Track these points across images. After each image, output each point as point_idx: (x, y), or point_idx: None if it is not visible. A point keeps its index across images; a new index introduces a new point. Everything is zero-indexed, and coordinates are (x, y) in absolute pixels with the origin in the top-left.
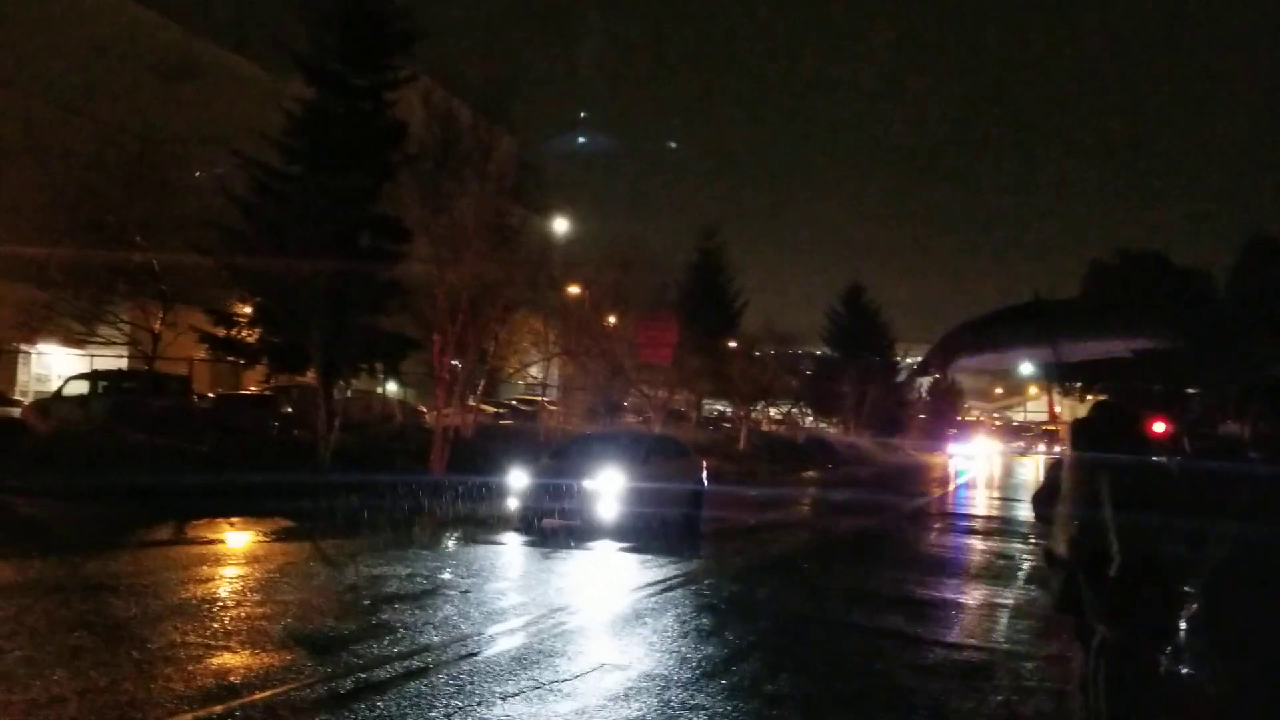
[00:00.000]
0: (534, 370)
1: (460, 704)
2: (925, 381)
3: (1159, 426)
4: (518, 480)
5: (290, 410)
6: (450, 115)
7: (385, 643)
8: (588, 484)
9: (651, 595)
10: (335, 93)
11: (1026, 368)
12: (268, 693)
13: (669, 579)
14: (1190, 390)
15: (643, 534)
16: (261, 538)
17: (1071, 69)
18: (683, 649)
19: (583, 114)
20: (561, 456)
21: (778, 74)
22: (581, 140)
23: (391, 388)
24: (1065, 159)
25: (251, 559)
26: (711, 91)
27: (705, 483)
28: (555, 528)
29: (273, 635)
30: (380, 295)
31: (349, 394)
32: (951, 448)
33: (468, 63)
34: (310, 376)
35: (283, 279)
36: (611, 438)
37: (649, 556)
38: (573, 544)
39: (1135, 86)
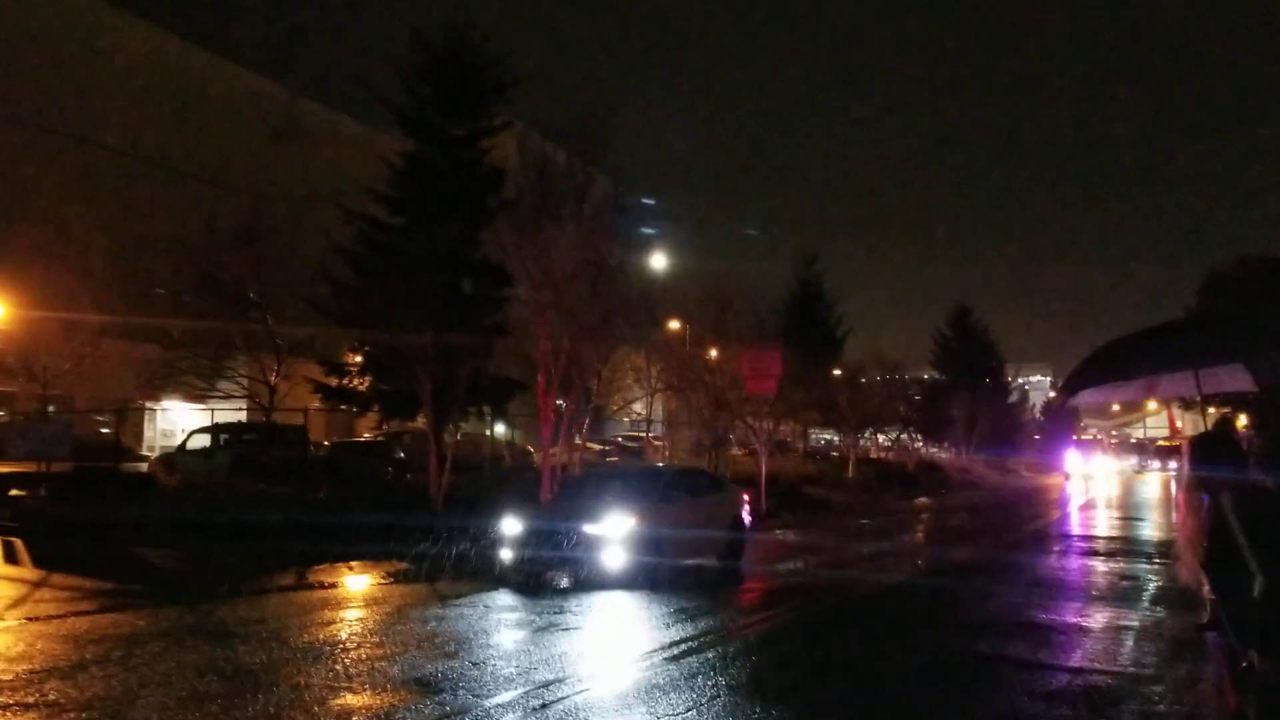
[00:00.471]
0: (638, 406)
1: None
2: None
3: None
4: (511, 527)
5: (403, 455)
6: (545, 159)
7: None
8: (589, 529)
9: (676, 658)
10: (433, 143)
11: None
12: None
13: (688, 639)
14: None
15: (660, 584)
16: (379, 580)
17: (1181, 78)
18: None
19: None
20: (565, 498)
21: (888, 96)
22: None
23: (500, 429)
24: (1177, 168)
25: (370, 602)
26: (807, 119)
27: (747, 519)
28: (545, 579)
29: (391, 676)
30: (485, 339)
31: (459, 437)
32: (1068, 468)
33: (562, 107)
34: (420, 421)
35: (390, 327)
36: (623, 474)
37: (665, 609)
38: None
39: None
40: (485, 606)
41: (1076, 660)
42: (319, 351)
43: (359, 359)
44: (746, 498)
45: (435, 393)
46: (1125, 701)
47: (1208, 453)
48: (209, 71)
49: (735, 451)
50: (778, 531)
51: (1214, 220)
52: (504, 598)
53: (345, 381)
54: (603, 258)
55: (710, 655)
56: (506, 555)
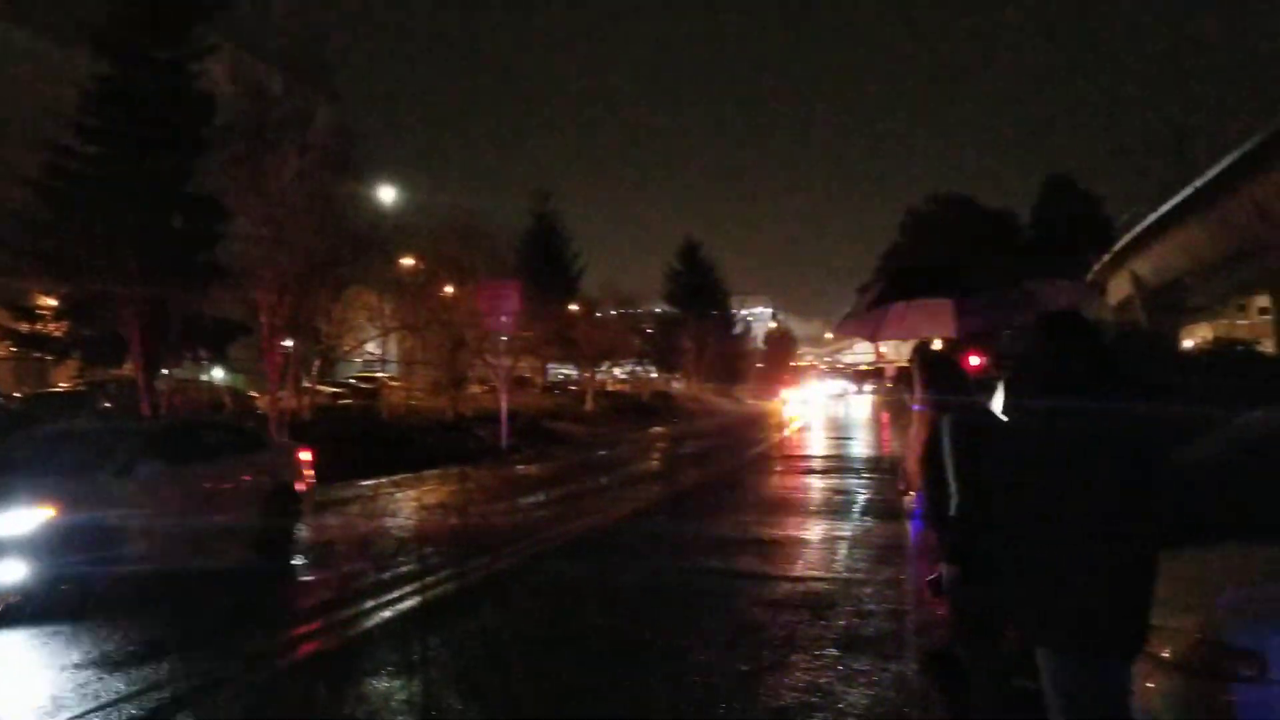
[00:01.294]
0: (371, 347)
1: None
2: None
3: (974, 360)
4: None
5: (109, 406)
6: (262, 85)
7: None
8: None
9: None
10: (134, 66)
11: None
12: None
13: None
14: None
15: (103, 609)
16: None
17: (885, 30)
18: None
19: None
20: None
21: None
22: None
23: (219, 375)
24: (882, 113)
25: None
26: (533, 53)
27: (303, 487)
28: None
29: None
30: (201, 278)
31: (171, 384)
32: (785, 394)
33: (278, 30)
34: (129, 369)
35: (90, 266)
36: (60, 436)
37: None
38: None
39: (940, 46)
40: None
41: (798, 570)
42: (9, 294)
43: (54, 301)
44: (305, 457)
45: (144, 337)
46: (840, 604)
47: (936, 376)
48: None
49: (475, 389)
50: (518, 466)
51: (914, 163)
52: None
53: (39, 326)
54: (330, 191)
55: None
56: None
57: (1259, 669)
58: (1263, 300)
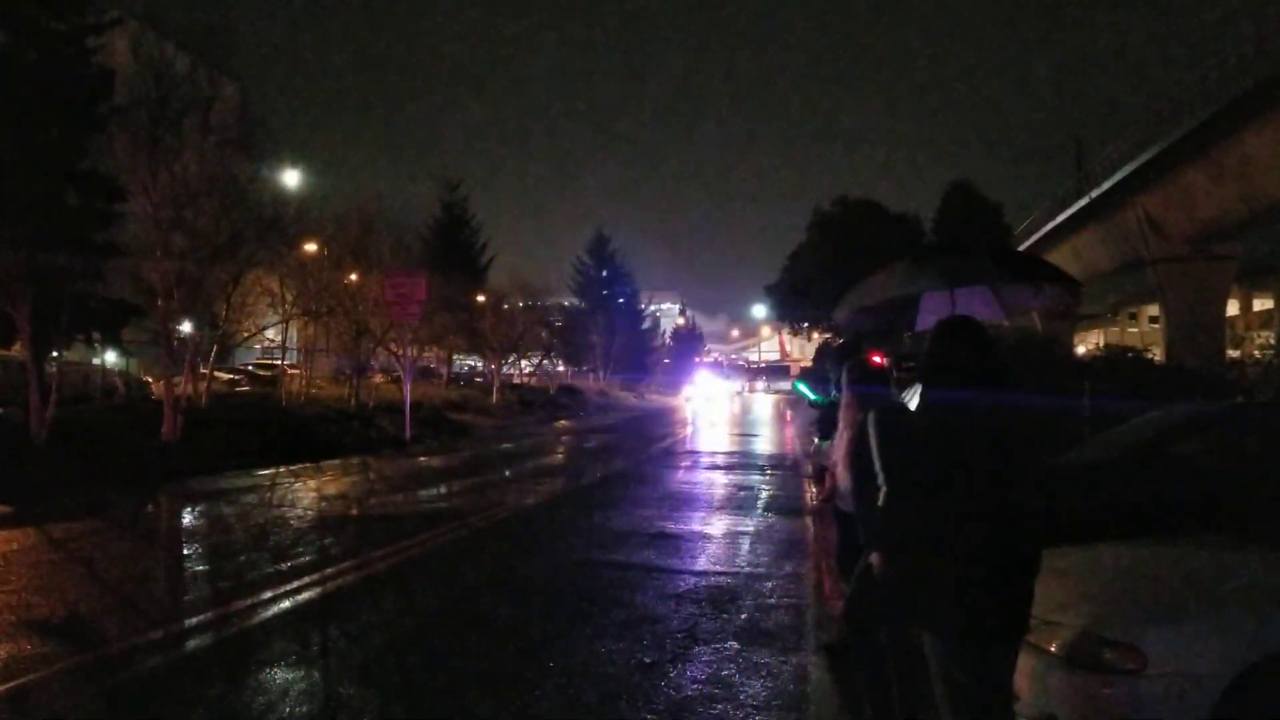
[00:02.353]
0: (271, 333)
1: None
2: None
3: (877, 359)
4: None
5: None
6: (164, 62)
7: None
8: None
9: None
10: (26, 36)
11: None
12: None
13: None
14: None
15: None
16: None
17: (790, 37)
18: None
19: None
20: None
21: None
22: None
23: (112, 358)
24: (791, 118)
25: None
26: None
27: None
28: None
29: None
30: (94, 258)
31: (60, 367)
32: (691, 390)
33: (185, 6)
34: (16, 350)
35: None
36: None
37: None
38: None
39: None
40: None
41: (701, 564)
42: None
43: None
44: None
45: (34, 316)
46: (742, 598)
47: (862, 374)
48: None
49: (379, 378)
50: (421, 458)
51: (821, 166)
52: None
53: None
54: (231, 173)
55: None
56: None
57: (1140, 664)
58: (1153, 309)
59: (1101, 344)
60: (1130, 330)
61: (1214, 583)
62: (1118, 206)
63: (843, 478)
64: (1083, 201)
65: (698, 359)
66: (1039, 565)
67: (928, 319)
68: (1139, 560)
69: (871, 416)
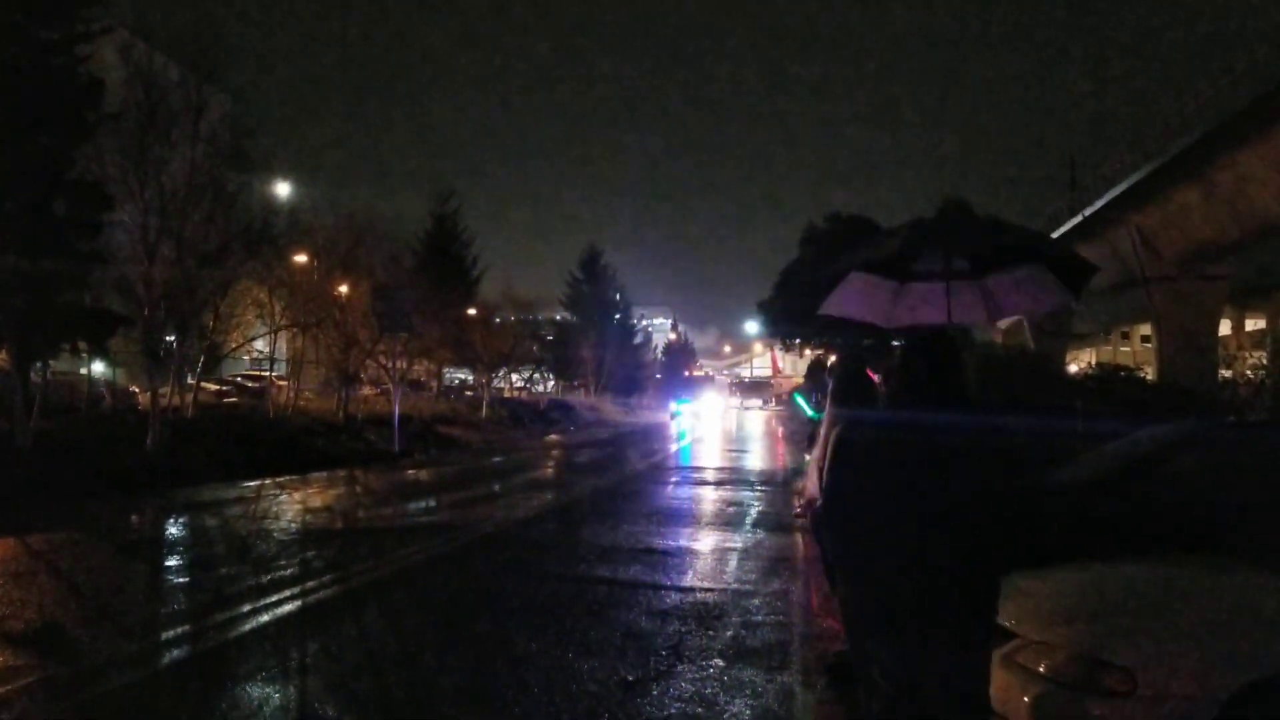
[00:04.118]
0: (260, 344)
1: None
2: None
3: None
4: None
5: None
6: (154, 71)
7: None
8: None
9: None
10: (17, 45)
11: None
12: None
13: None
14: (894, 342)
15: None
16: None
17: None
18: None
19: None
20: None
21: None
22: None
23: (99, 368)
24: (786, 135)
25: None
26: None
27: None
28: None
29: None
30: (82, 267)
31: (48, 376)
32: (681, 405)
33: (172, 15)
34: (2, 359)
35: None
36: None
37: None
38: None
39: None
40: None
41: (688, 580)
42: None
43: None
44: None
45: (19, 326)
46: (728, 615)
47: (846, 391)
48: None
49: (368, 390)
50: (409, 471)
51: (815, 182)
52: None
53: None
54: (221, 183)
55: None
56: None
57: (1131, 685)
58: (1145, 328)
59: (1094, 362)
60: (1123, 349)
61: (1208, 604)
62: (1111, 224)
63: (813, 491)
64: (1076, 219)
65: (687, 374)
66: (991, 586)
67: (917, 312)
68: (1131, 580)
69: (835, 434)
